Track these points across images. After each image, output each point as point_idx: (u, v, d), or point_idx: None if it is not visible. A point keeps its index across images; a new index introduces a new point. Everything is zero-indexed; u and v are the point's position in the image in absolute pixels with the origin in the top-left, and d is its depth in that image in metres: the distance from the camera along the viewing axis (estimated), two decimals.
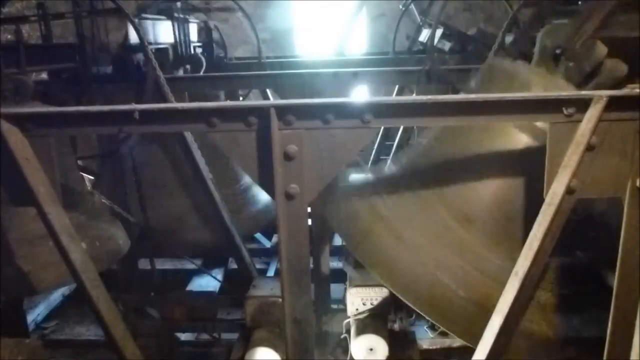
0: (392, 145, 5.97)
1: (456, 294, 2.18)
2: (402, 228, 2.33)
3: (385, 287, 2.90)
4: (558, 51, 2.26)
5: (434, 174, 2.46)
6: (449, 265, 2.22)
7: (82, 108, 1.86)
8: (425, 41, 5.27)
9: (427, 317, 2.19)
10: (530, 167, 2.23)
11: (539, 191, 1.90)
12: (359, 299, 2.93)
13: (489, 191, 2.33)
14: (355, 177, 2.59)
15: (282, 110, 1.77)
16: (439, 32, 5.07)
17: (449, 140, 2.49)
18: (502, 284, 2.10)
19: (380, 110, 1.79)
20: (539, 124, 2.15)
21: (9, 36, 4.25)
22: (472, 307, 2.18)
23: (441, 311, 2.20)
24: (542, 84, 2.24)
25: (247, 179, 5.02)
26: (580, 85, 2.20)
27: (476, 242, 2.26)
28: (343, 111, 1.79)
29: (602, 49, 2.13)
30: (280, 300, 2.04)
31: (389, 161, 3.02)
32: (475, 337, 2.11)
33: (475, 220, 2.29)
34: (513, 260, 2.12)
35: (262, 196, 5.10)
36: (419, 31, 6.00)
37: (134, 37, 3.96)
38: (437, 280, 2.20)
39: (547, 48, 2.37)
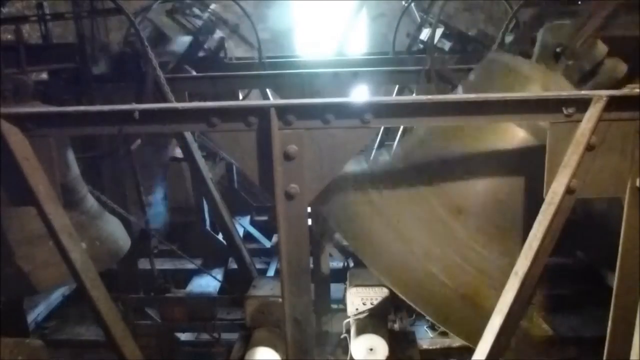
0: (392, 145, 5.97)
1: (443, 283, 2.19)
2: (397, 219, 2.34)
3: (384, 286, 2.91)
4: (558, 49, 2.26)
5: (429, 165, 2.47)
6: (438, 255, 2.23)
7: (82, 108, 1.86)
8: (426, 40, 5.27)
9: (416, 307, 2.20)
10: (525, 163, 2.23)
11: (534, 188, 1.90)
12: (359, 299, 2.93)
13: (483, 185, 2.33)
14: (351, 167, 2.59)
15: (282, 110, 1.77)
16: (439, 31, 5.08)
17: (445, 132, 2.49)
18: (488, 276, 2.15)
19: (380, 110, 1.79)
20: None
21: (9, 36, 4.24)
22: (456, 297, 2.20)
23: (428, 300, 2.20)
24: (541, 80, 2.24)
25: None
26: (579, 84, 2.20)
27: (466, 235, 2.27)
28: (343, 111, 1.79)
29: (602, 48, 2.13)
30: (280, 300, 2.04)
31: (384, 152, 3.01)
32: (456, 326, 2.19)
33: (467, 212, 2.30)
34: (502, 254, 2.12)
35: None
36: (419, 30, 6.01)
37: None
38: (426, 269, 2.21)
39: (547, 45, 2.37)
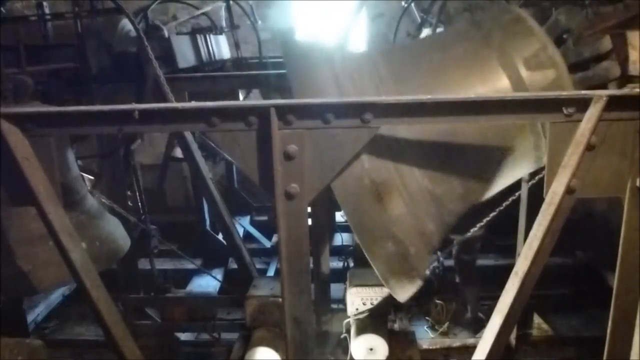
0: None
1: (364, 168, 2.13)
2: None
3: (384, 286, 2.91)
4: (565, 35, 2.26)
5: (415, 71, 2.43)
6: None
7: (82, 108, 1.86)
8: None
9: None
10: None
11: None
12: (359, 299, 2.93)
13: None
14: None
15: (282, 110, 1.77)
16: (439, 30, 5.08)
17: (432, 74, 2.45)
18: (405, 188, 2.18)
19: (380, 110, 1.79)
20: (523, 73, 2.19)
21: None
22: (369, 184, 2.14)
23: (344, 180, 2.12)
24: (542, 40, 2.22)
25: None
26: (570, 68, 2.19)
27: (407, 142, 2.23)
28: (343, 111, 1.79)
29: (607, 44, 2.13)
30: (280, 300, 2.04)
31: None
32: (357, 215, 2.14)
33: (424, 131, 2.25)
34: (431, 179, 2.20)
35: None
36: (420, 30, 6.00)
37: None
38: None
39: (557, 26, 2.36)
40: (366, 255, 2.17)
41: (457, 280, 4.76)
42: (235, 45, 6.01)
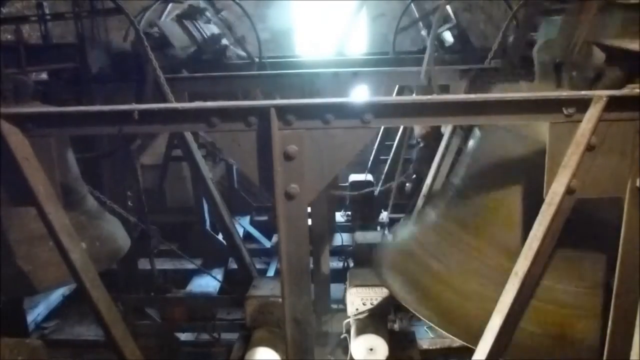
0: (392, 145, 5.98)
1: (531, 332, 2.14)
2: (458, 280, 2.34)
3: (384, 285, 2.91)
4: (557, 60, 2.26)
5: (472, 216, 2.46)
6: None
7: (82, 108, 1.86)
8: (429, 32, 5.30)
9: None
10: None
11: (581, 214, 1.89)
12: (359, 299, 2.94)
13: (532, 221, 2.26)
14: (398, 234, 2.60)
15: (282, 110, 1.77)
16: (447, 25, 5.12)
17: (480, 183, 2.48)
18: (573, 306, 2.13)
19: (380, 110, 1.79)
20: None
21: (9, 36, 4.24)
22: (549, 341, 2.15)
23: (527, 354, 2.15)
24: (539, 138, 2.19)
25: None
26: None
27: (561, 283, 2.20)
28: (343, 111, 1.79)
29: (599, 54, 2.13)
30: (280, 300, 2.04)
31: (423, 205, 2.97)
32: None
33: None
34: (574, 278, 2.12)
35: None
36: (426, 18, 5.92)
37: None
38: None
39: (545, 63, 2.37)
40: None
41: None
42: (228, 28, 6.01)
